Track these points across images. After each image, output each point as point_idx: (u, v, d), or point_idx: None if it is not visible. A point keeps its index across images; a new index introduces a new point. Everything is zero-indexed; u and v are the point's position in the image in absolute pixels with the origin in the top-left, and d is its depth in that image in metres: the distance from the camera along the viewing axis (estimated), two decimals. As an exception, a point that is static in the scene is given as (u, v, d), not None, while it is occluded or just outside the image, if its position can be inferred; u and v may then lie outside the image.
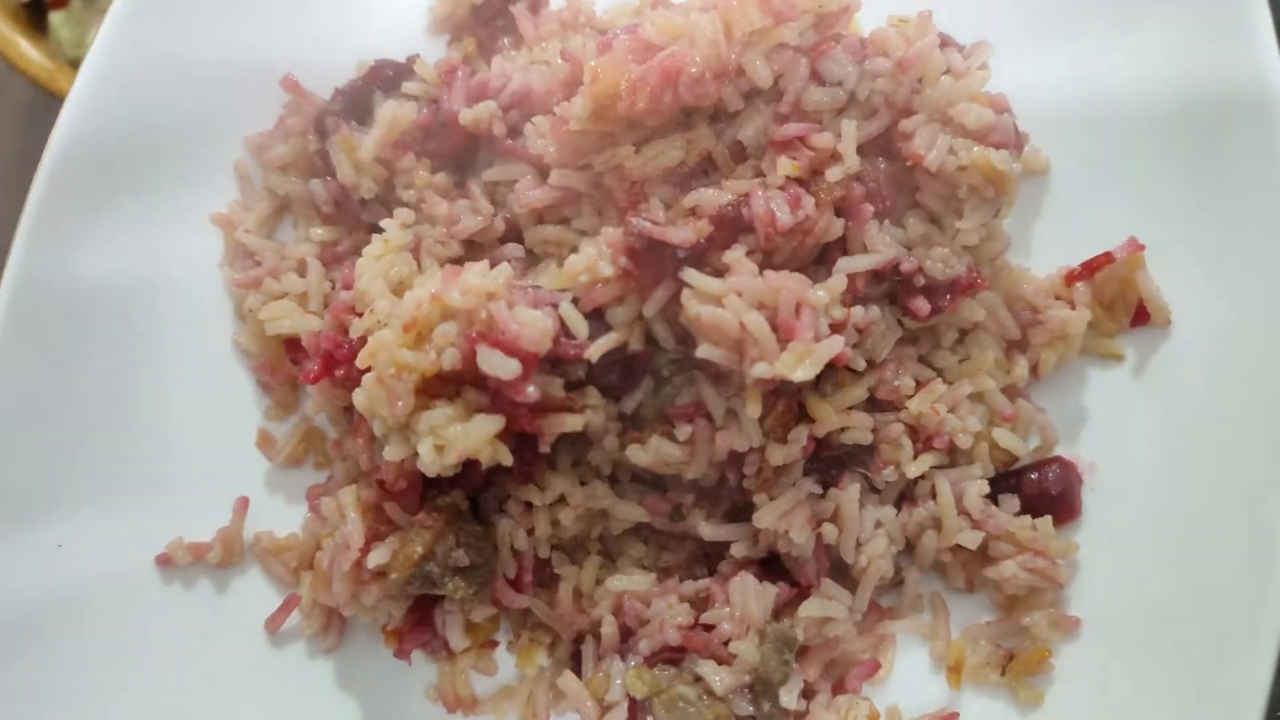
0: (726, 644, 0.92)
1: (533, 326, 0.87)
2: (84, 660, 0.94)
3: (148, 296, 1.05)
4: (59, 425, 0.98)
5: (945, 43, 1.05)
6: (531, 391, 0.87)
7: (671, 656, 0.92)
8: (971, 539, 0.98)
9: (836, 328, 0.92)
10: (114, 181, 1.04)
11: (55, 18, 1.46)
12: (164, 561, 0.99)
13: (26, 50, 1.42)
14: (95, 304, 1.02)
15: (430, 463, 0.88)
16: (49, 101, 1.39)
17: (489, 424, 0.88)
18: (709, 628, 0.94)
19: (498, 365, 0.85)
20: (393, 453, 0.90)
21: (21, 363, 0.97)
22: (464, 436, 0.87)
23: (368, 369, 0.90)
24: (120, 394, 1.02)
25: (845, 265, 0.95)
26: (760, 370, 0.88)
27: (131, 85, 1.05)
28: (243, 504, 1.02)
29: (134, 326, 1.04)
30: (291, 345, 1.03)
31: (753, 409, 0.91)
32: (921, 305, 0.98)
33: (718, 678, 0.90)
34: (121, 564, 0.98)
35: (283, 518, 1.04)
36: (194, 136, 1.09)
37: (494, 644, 1.02)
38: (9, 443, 0.96)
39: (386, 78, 1.09)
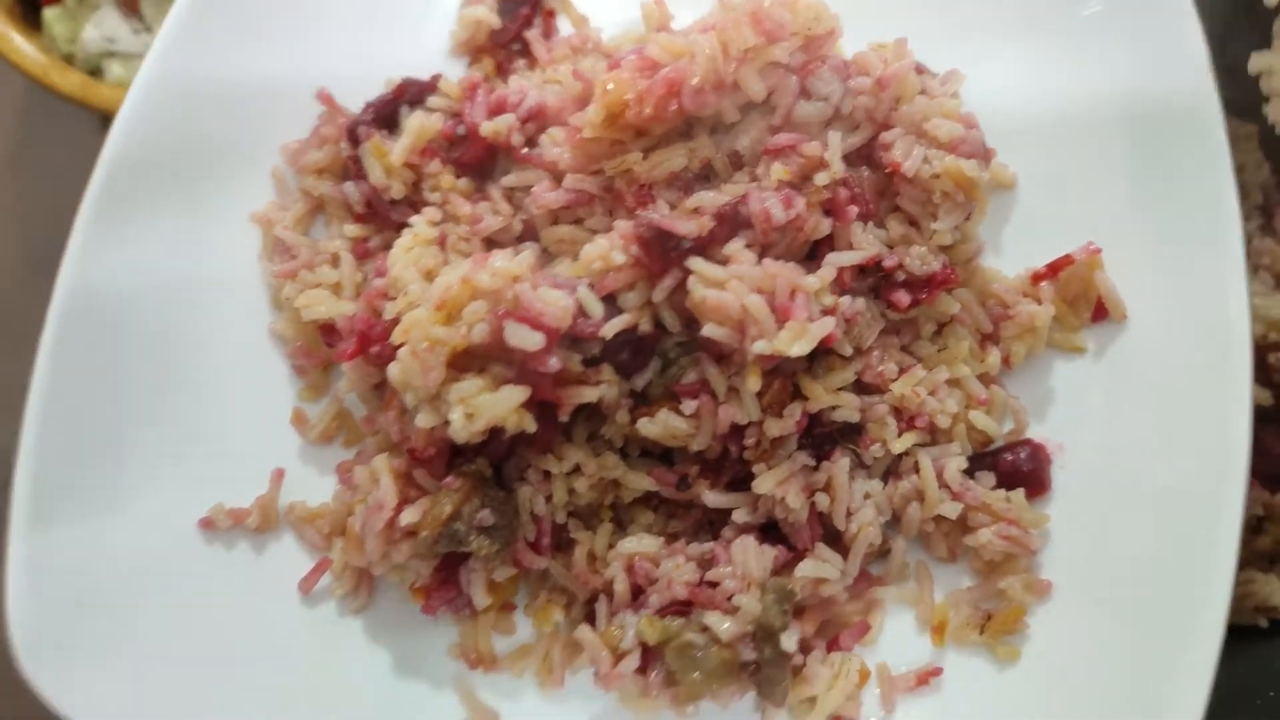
0: (730, 599, 1.00)
1: (555, 304, 0.96)
2: (140, 613, 1.02)
3: (193, 293, 1.14)
4: (117, 405, 1.07)
5: (920, 70, 1.17)
6: (554, 363, 0.96)
7: (679, 610, 1.00)
8: (952, 509, 1.07)
9: (827, 313, 1.02)
10: (162, 185, 1.13)
11: (49, 13, 1.47)
12: (206, 524, 1.07)
13: (20, 45, 1.42)
14: (145, 301, 1.11)
15: (460, 429, 0.97)
16: (43, 96, 1.44)
17: (515, 393, 0.97)
18: (713, 585, 1.02)
19: (524, 338, 0.95)
20: (424, 420, 0.98)
21: (79, 352, 1.06)
22: (492, 405, 0.96)
23: (400, 345, 0.99)
24: (169, 378, 1.10)
25: (833, 259, 1.06)
26: (760, 347, 0.97)
27: (178, 100, 1.15)
28: (279, 475, 1.11)
29: (181, 320, 1.12)
30: (326, 330, 1.12)
31: (752, 383, 1.00)
32: (902, 297, 1.08)
33: (723, 626, 0.98)
34: (169, 528, 1.06)
35: (314, 489, 1.12)
36: (235, 147, 1.18)
37: (512, 607, 1.09)
38: (69, 423, 1.04)
39: (413, 93, 1.19)
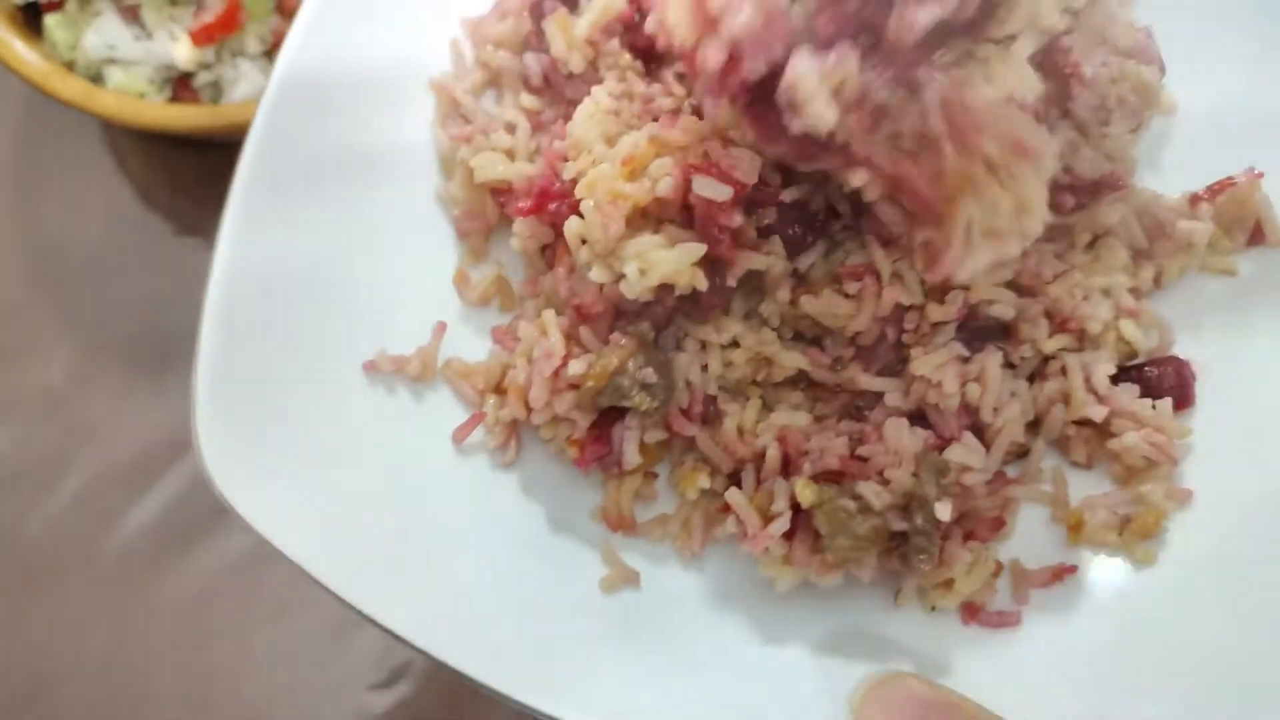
0: (881, 473, 1.02)
1: (745, 160, 0.98)
2: (310, 440, 1.06)
3: (367, 160, 1.17)
4: (294, 254, 1.10)
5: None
6: (737, 218, 0.98)
7: (832, 478, 1.02)
8: (1097, 413, 1.07)
9: None
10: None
11: (50, 20, 1.46)
12: (370, 367, 1.10)
13: (22, 52, 1.40)
14: (326, 183, 1.14)
15: (634, 284, 0.99)
16: (44, 103, 1.45)
17: (691, 249, 0.99)
18: (864, 460, 1.03)
19: (713, 189, 0.97)
20: (598, 275, 1.01)
21: (265, 203, 1.09)
22: (668, 260, 0.99)
23: (580, 202, 1.01)
24: (344, 230, 1.14)
25: (1007, 154, 1.07)
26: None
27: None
28: (441, 328, 1.13)
29: (355, 183, 1.16)
30: (497, 193, 1.15)
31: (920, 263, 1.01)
32: (1066, 199, 1.09)
33: (875, 495, 0.99)
34: (337, 368, 1.09)
35: (470, 349, 1.15)
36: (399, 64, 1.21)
37: (655, 475, 1.12)
38: (251, 267, 1.07)
39: (594, -23, 1.21)
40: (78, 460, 1.45)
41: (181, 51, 1.46)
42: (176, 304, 1.48)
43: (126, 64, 1.46)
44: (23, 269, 1.56)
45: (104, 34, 1.45)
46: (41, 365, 1.50)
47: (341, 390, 1.09)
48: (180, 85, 1.50)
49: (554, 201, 1.06)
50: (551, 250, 1.11)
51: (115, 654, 1.37)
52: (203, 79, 1.49)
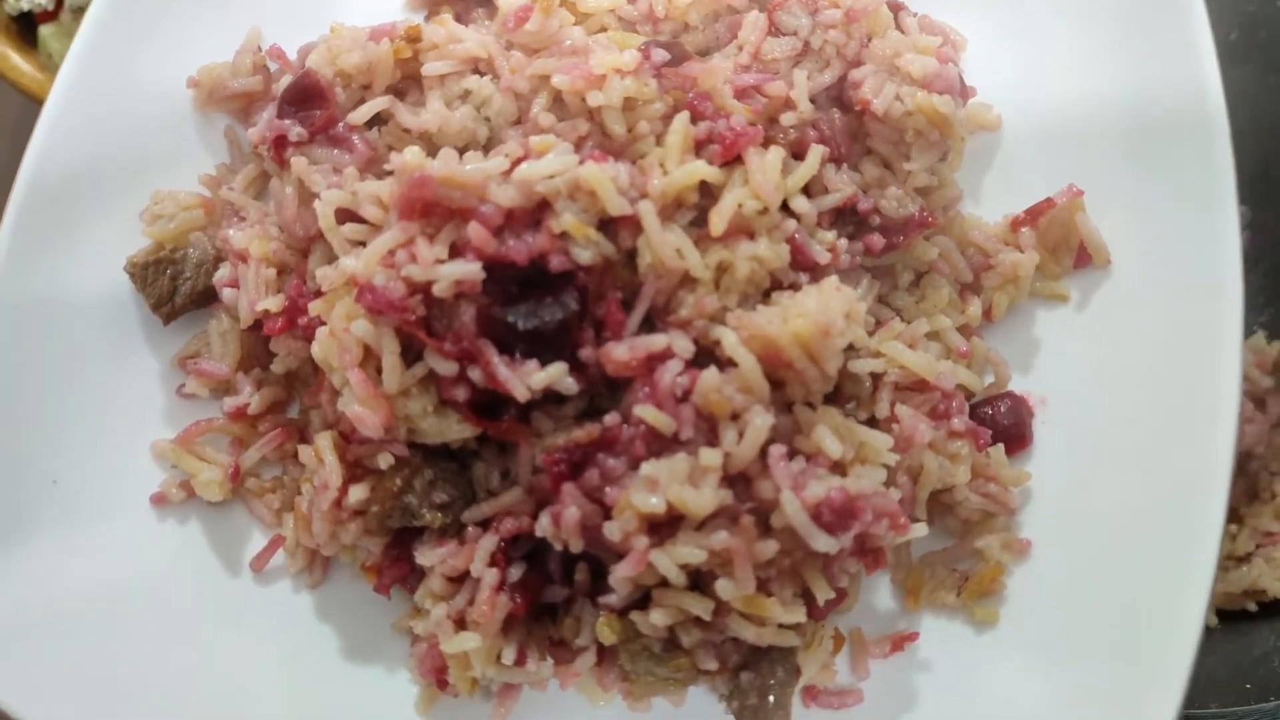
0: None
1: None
2: (84, 593, 0.91)
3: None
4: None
5: (897, 7, 1.03)
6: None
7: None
8: (929, 465, 0.95)
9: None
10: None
11: (45, 30, 1.39)
12: (158, 500, 0.96)
13: (17, 63, 1.34)
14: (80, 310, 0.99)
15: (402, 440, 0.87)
16: (39, 113, 1.31)
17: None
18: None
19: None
20: (348, 404, 0.86)
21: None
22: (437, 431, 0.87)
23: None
24: (114, 345, 0.99)
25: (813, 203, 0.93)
26: None
27: (106, 101, 1.01)
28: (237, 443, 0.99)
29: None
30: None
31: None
32: (876, 241, 0.96)
33: (685, 632, 0.84)
34: (117, 502, 0.95)
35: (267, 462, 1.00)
36: (167, 148, 1.04)
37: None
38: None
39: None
40: None
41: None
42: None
43: (119, 73, 1.34)
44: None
45: (98, 45, 1.33)
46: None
47: (126, 532, 0.94)
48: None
49: (303, 315, 0.91)
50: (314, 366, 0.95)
51: None
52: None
